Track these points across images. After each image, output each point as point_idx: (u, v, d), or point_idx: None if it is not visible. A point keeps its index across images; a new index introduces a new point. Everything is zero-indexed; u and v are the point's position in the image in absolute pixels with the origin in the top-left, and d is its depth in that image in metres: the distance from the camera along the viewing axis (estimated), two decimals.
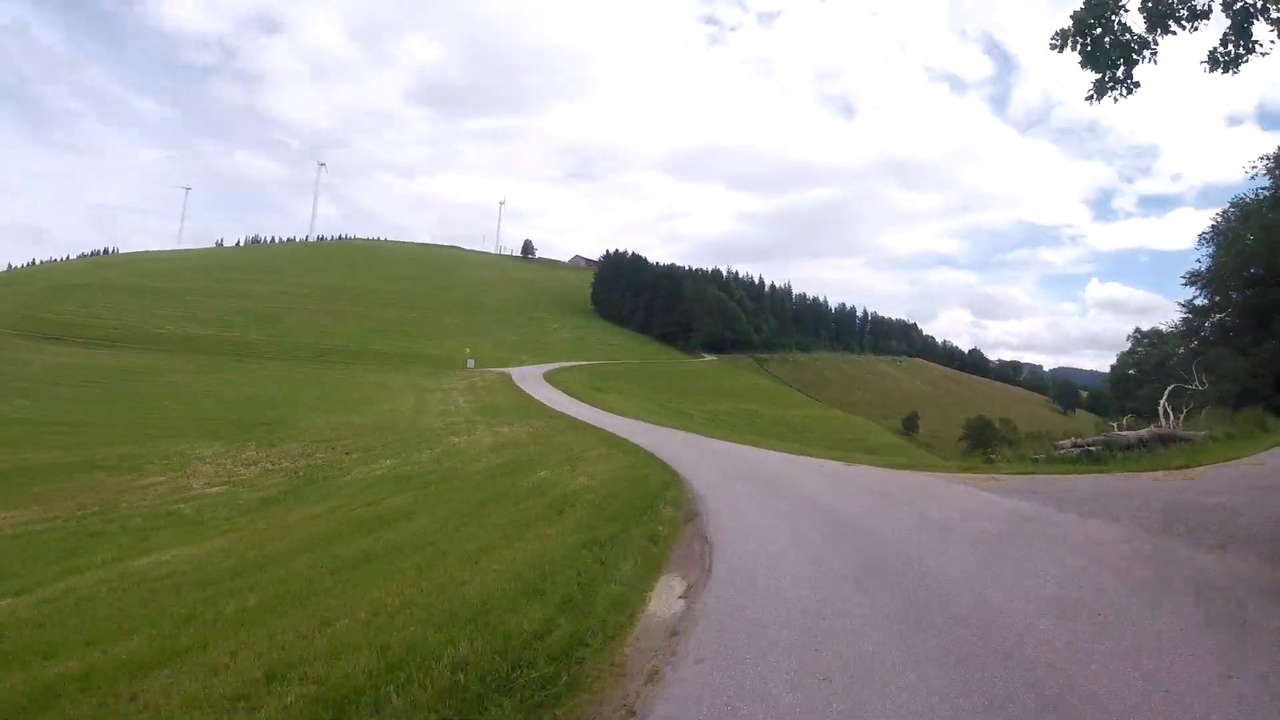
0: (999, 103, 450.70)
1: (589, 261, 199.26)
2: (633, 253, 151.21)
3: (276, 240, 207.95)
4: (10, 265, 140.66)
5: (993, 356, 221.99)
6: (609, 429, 25.54)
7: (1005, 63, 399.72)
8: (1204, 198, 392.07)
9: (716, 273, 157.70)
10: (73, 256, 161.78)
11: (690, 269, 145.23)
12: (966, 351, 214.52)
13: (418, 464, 22.84)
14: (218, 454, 29.00)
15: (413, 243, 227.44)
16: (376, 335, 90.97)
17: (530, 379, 57.00)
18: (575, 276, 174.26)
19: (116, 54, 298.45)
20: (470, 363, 69.85)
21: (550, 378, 59.00)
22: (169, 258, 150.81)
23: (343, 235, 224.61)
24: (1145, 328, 47.07)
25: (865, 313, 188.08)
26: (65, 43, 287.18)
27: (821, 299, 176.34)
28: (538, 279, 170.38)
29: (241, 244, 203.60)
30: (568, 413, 34.45)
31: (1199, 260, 31.09)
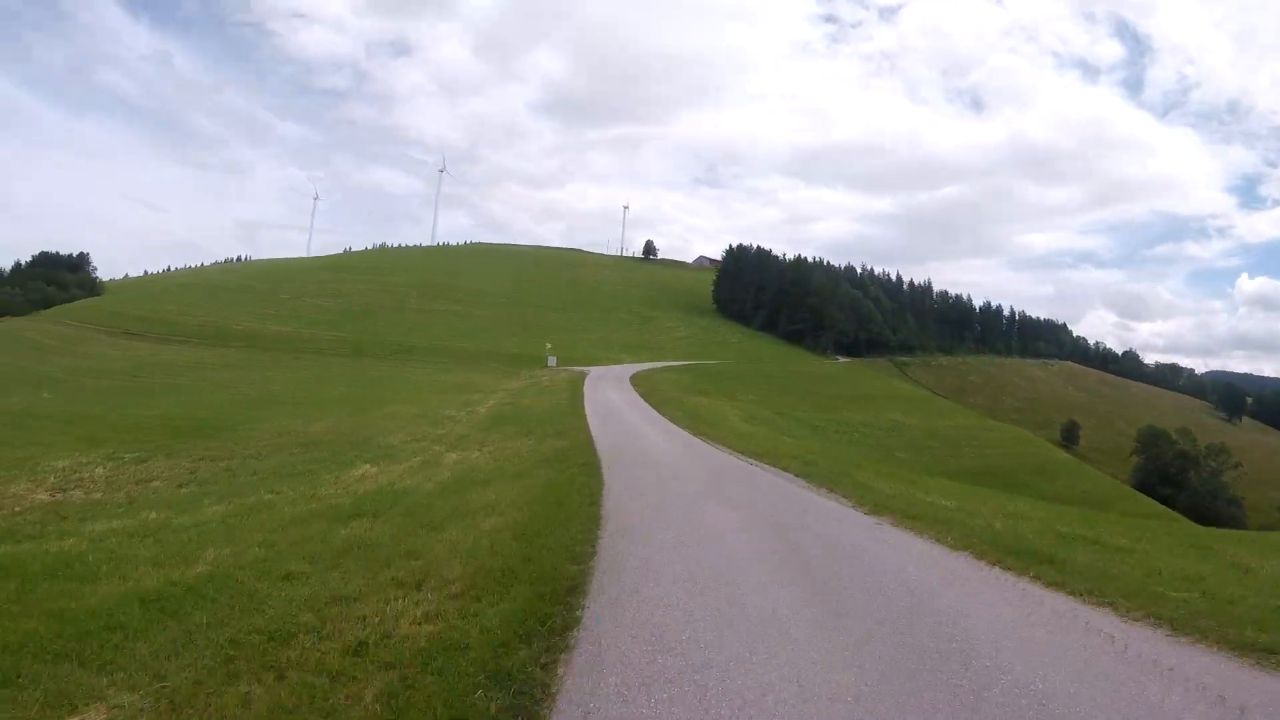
0: (1133, 87, 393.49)
1: (712, 261, 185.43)
2: (757, 246, 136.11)
3: (402, 245, 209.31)
4: (145, 271, 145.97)
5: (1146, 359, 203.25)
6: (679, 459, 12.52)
7: (1136, 45, 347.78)
8: None
9: (850, 269, 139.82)
10: (207, 264, 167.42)
11: (822, 261, 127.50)
12: (1120, 354, 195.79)
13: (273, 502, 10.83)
14: (80, 465, 18.68)
15: (530, 245, 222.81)
16: (466, 333, 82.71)
17: (610, 379, 44.53)
18: (697, 276, 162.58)
19: (255, 80, 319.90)
20: (551, 360, 58.53)
21: (641, 379, 46.21)
22: (286, 264, 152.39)
23: (467, 241, 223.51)
24: None
25: (1012, 312, 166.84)
26: (206, 71, 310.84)
27: (965, 297, 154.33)
28: (658, 279, 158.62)
29: (366, 249, 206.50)
30: (621, 426, 21.68)
31: None
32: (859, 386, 78.17)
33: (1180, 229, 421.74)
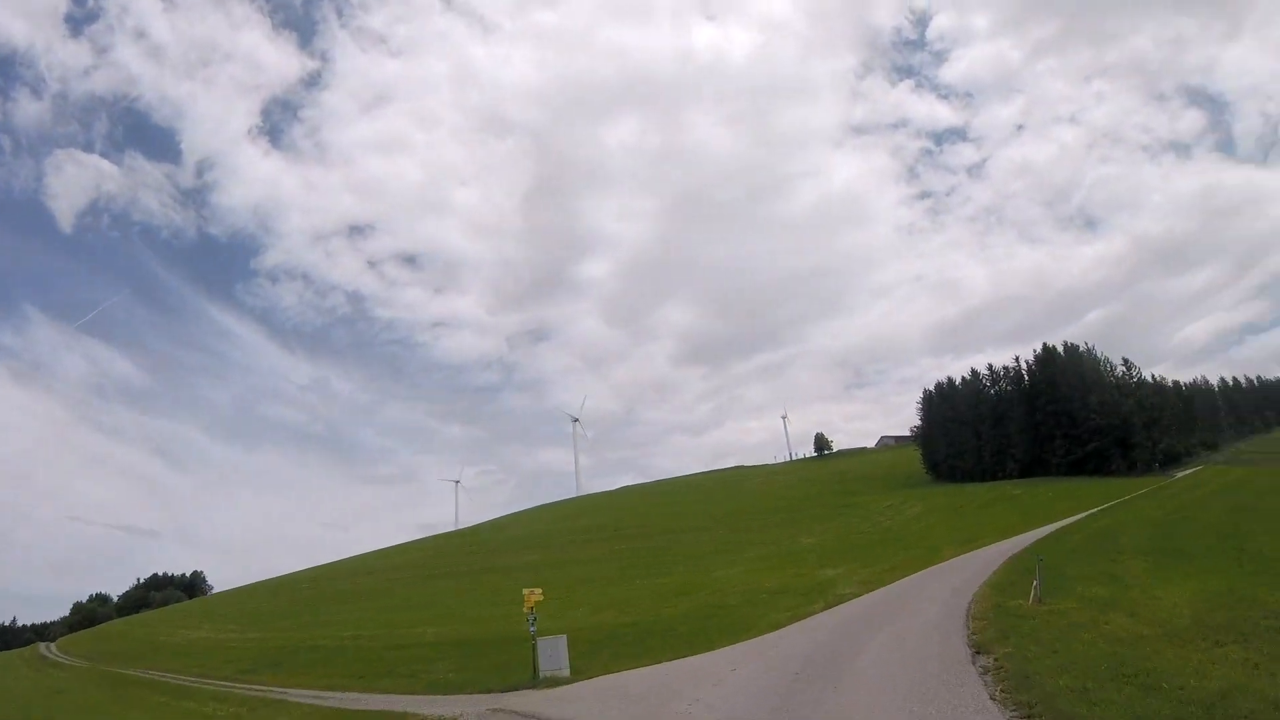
0: (1225, 147, 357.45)
1: (899, 439, 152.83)
2: (962, 377, 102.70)
3: (542, 504, 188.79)
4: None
5: None
6: None
7: (1213, 105, 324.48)
8: None
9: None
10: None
11: (1074, 346, 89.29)
12: None
13: None
14: None
15: (680, 476, 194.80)
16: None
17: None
18: (888, 456, 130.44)
19: (409, 390, 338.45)
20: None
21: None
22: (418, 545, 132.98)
23: (618, 487, 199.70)
24: None
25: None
26: (363, 390, 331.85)
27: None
28: (840, 470, 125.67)
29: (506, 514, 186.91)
30: None
31: None
32: None
33: None
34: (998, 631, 14.33)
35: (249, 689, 25.09)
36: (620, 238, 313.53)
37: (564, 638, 18.71)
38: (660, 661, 17.82)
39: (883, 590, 25.37)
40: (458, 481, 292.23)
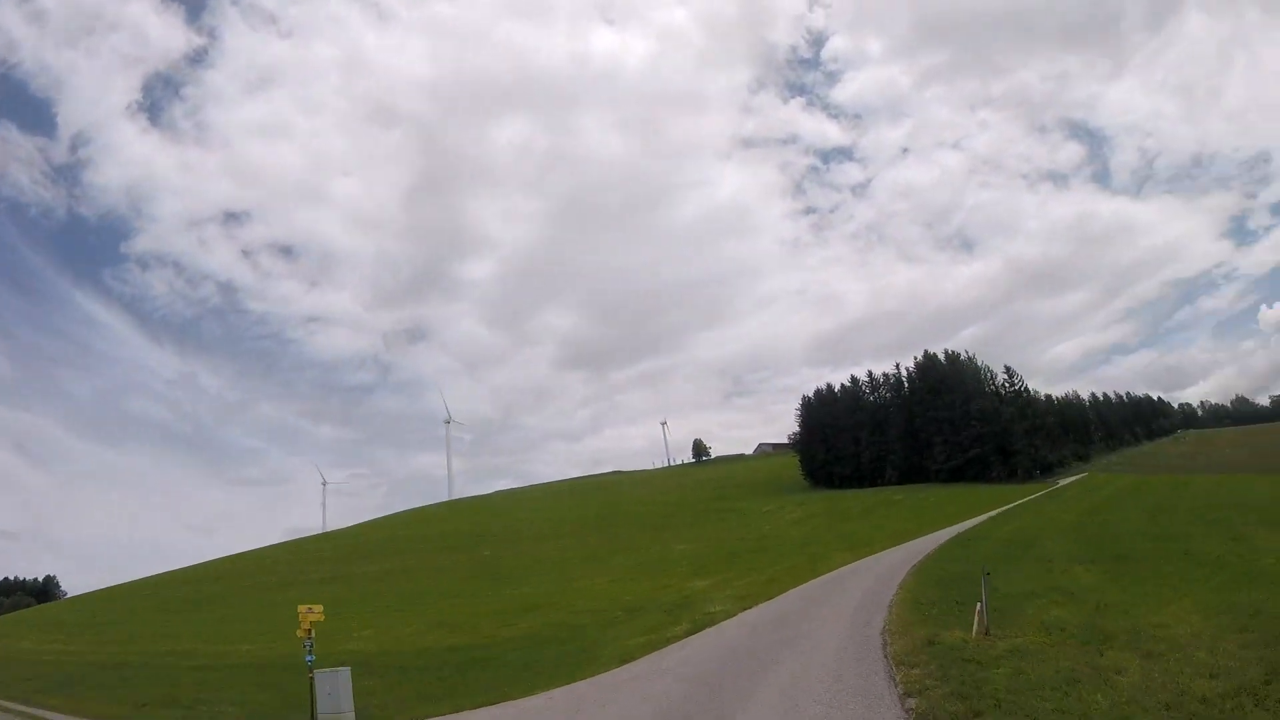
0: (1102, 178, 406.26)
1: (777, 446, 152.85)
2: (852, 376, 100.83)
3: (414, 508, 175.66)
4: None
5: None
6: None
7: (1092, 138, 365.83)
8: None
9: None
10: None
11: (955, 355, 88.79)
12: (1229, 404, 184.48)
13: None
14: None
15: (559, 480, 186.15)
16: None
17: None
18: (766, 462, 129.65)
19: (282, 389, 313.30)
20: None
21: None
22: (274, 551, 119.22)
23: (489, 492, 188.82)
24: None
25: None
26: (232, 387, 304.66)
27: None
28: (717, 476, 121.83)
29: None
30: None
31: None
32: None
33: (1190, 289, 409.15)
34: (944, 687, 8.55)
35: (28, 712, 19.47)
36: (504, 239, 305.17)
37: (346, 671, 14.16)
38: (464, 709, 13.53)
39: (763, 608, 19.68)
40: (324, 483, 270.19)
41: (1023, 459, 72.18)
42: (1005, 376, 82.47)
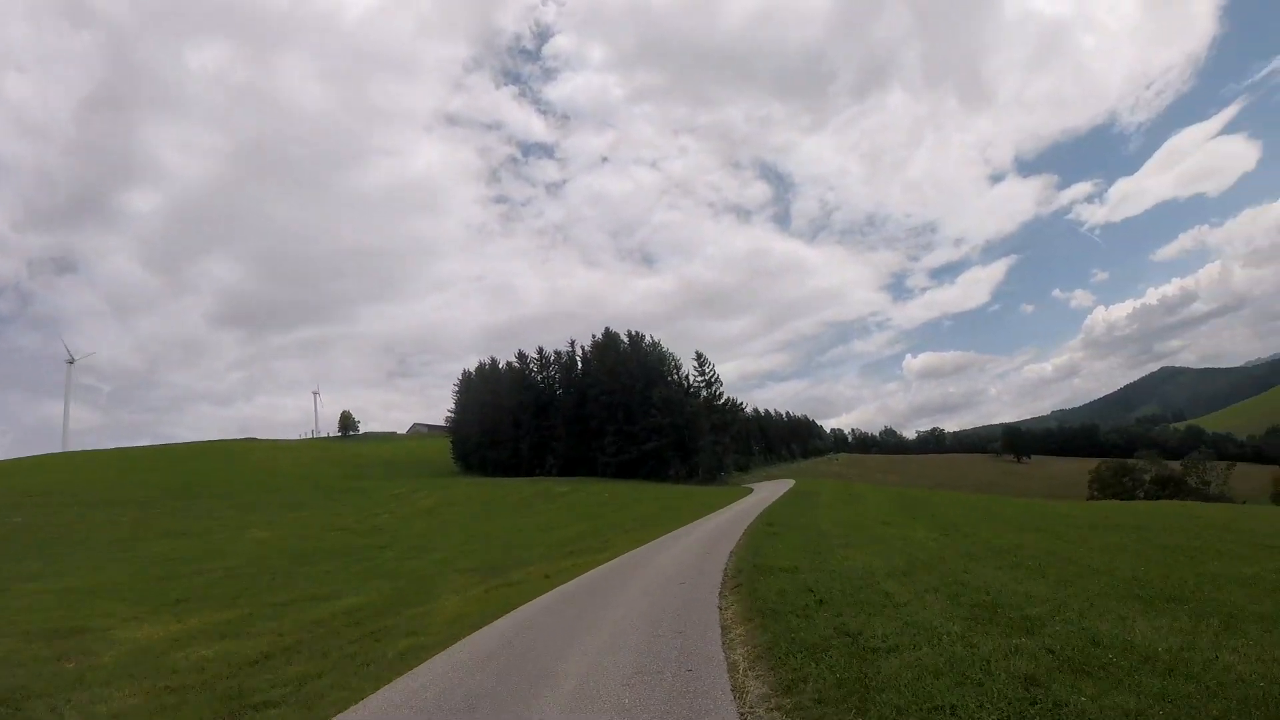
0: (782, 220, 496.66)
1: (433, 428, 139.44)
2: (519, 351, 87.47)
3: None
4: None
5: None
6: None
7: (780, 183, 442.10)
8: (988, 253, 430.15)
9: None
10: None
11: (639, 335, 79.02)
12: (878, 434, 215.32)
13: None
14: None
15: (182, 442, 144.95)
16: None
17: None
18: (417, 443, 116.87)
19: None
20: None
21: None
22: None
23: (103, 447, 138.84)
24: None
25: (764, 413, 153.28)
26: None
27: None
28: (360, 452, 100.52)
29: None
30: None
31: None
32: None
33: (846, 331, 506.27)
34: None
35: None
36: (178, 173, 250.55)
37: None
38: None
39: None
40: None
41: (707, 457, 66.19)
42: (695, 365, 76.92)
